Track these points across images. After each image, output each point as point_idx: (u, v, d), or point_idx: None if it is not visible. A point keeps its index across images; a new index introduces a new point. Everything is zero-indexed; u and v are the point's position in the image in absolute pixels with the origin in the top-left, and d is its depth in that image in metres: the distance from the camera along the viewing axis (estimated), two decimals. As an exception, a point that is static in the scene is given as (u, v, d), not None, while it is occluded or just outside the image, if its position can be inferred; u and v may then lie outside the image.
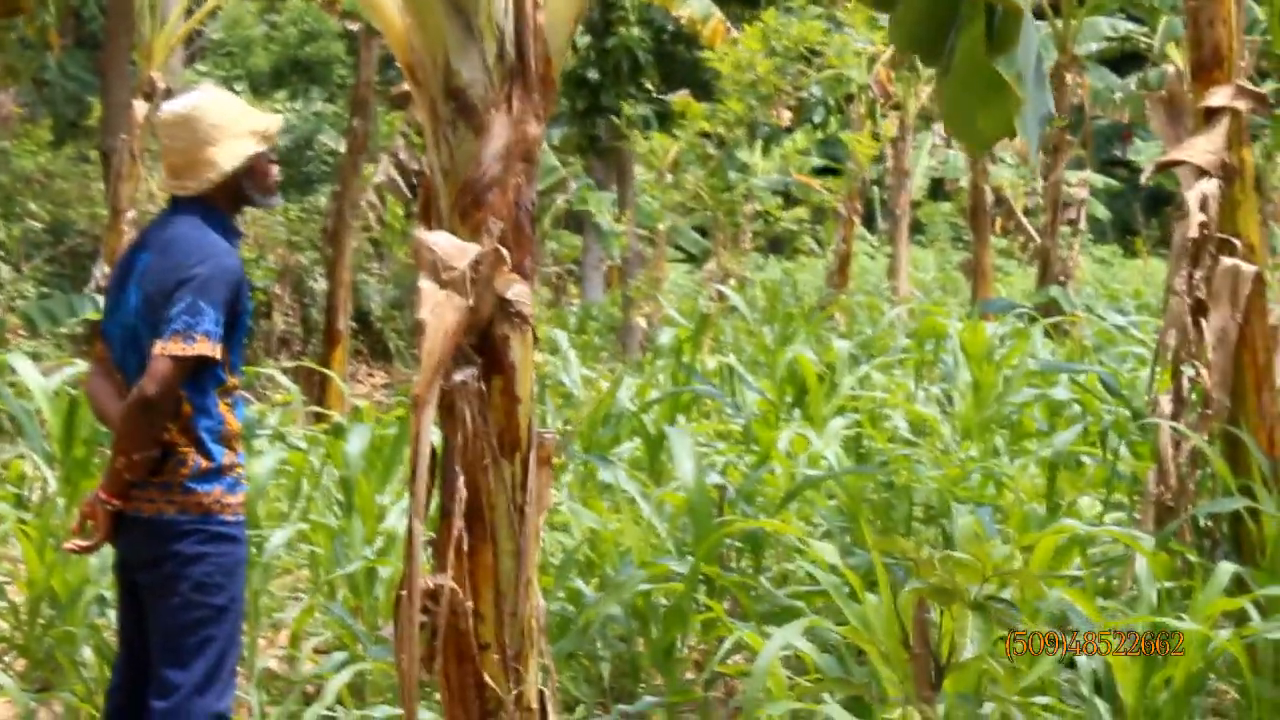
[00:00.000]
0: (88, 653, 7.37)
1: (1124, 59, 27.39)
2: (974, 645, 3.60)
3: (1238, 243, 7.91)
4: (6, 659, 8.18)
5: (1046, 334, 15.37)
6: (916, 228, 34.28)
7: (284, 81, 29.47)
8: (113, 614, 7.41)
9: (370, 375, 23.75)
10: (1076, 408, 11.20)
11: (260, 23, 30.92)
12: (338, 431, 10.10)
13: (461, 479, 3.72)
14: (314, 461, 9.93)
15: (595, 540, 8.34)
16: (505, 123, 3.83)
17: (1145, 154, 37.80)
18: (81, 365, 10.97)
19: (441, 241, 3.79)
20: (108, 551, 6.02)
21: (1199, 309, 7.91)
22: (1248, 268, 7.85)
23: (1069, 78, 18.76)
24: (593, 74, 22.84)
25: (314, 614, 8.00)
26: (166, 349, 5.34)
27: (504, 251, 3.81)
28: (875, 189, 34.16)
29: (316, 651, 8.22)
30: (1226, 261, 7.87)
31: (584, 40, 23.02)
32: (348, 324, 18.03)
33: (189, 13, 15.65)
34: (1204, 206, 7.88)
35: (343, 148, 19.01)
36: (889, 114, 24.15)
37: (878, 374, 13.17)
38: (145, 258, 5.60)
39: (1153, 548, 7.03)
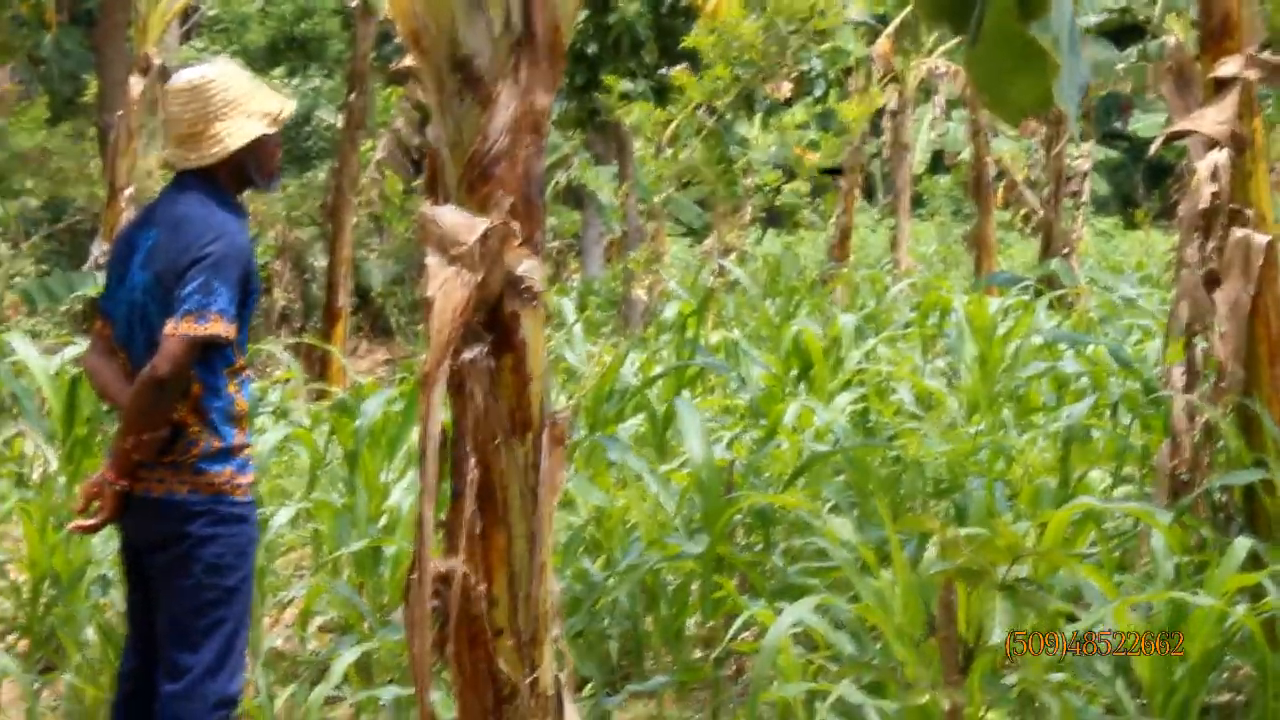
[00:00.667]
0: (90, 633, 7.30)
1: (1124, 31, 27.27)
2: (1000, 628, 3.52)
3: (1249, 213, 7.83)
4: (9, 640, 8.12)
5: (1050, 307, 15.32)
6: (917, 201, 34.16)
7: (280, 58, 29.39)
8: (115, 594, 7.37)
9: (371, 352, 23.70)
10: (1084, 381, 11.13)
11: (255, -2, 30.84)
12: (343, 408, 10.03)
13: (472, 460, 3.63)
14: (317, 439, 9.86)
15: (601, 518, 8.27)
16: (513, 94, 3.73)
17: (1144, 126, 37.73)
18: (82, 344, 10.89)
19: (449, 216, 3.70)
20: (111, 531, 5.94)
21: (1211, 280, 7.83)
22: (1260, 238, 7.76)
23: (1070, 49, 18.65)
24: (591, 48, 22.73)
25: (321, 592, 7.93)
26: (179, 328, 5.26)
27: (513, 225, 3.72)
28: (875, 162, 34.08)
29: (322, 630, 8.17)
30: (1238, 232, 7.78)
31: (583, 14, 22.91)
32: (348, 300, 17.92)
33: (184, -12, 15.55)
34: (1215, 177, 7.80)
35: (340, 123, 18.91)
36: (888, 87, 24.06)
37: (883, 347, 13.12)
38: (152, 235, 5.51)
39: (1167, 522, 6.96)
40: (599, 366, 12.71)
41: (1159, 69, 8.54)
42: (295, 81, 28.00)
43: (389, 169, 19.02)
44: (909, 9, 21.19)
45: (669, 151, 20.29)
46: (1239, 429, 7.70)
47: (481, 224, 3.68)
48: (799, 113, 24.16)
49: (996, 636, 3.54)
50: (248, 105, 5.54)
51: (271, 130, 5.58)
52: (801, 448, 9.16)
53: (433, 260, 3.67)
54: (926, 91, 27.17)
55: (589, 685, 7.40)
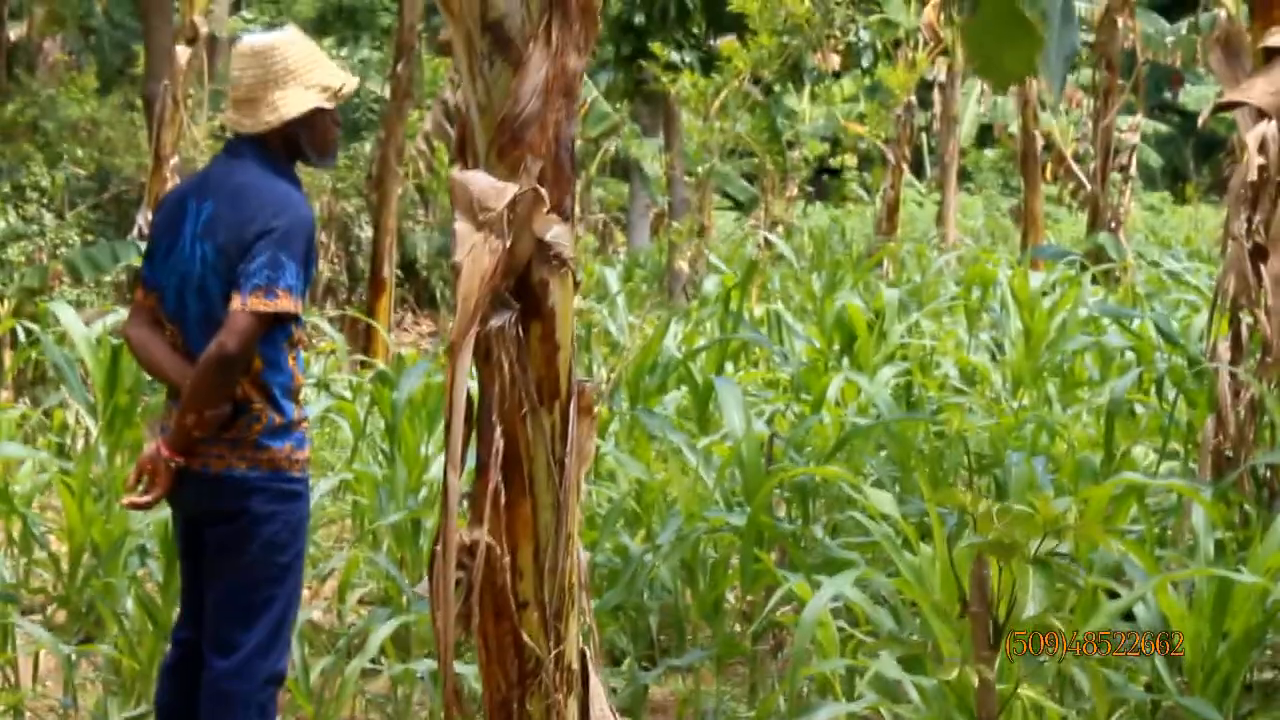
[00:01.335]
0: (129, 604, 7.27)
1: (1174, 3, 27.13)
2: (1035, 602, 3.47)
3: (1298, 186, 7.73)
4: (48, 611, 8.12)
5: (1095, 281, 15.21)
6: (964, 175, 34.02)
7: (329, 29, 29.35)
8: (154, 565, 7.34)
9: (417, 324, 23.68)
10: (1129, 355, 11.04)
11: (304, -33, 30.80)
12: (383, 379, 10.00)
13: (499, 429, 3.58)
14: (359, 410, 9.84)
15: (641, 491, 8.23)
16: (544, 56, 3.66)
17: (1195, 98, 37.50)
18: (123, 312, 10.88)
19: (478, 181, 3.65)
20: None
21: (1258, 254, 7.74)
22: (1309, 211, 7.67)
23: (1120, 22, 18.53)
24: (639, 18, 22.67)
25: (359, 565, 7.91)
26: (249, 304, 5.17)
27: (542, 191, 3.66)
28: (923, 135, 33.93)
29: (361, 603, 8.15)
30: (1287, 205, 7.70)
31: (630, -16, 22.87)
32: (393, 272, 17.89)
33: (233, -44, 15.55)
34: (1263, 149, 7.70)
35: (387, 94, 18.86)
36: (937, 59, 23.94)
37: (927, 321, 13.04)
38: (209, 204, 5.38)
39: (1210, 498, 6.88)
40: (641, 339, 12.66)
41: (1208, 40, 8.42)
42: (344, 53, 27.97)
43: (437, 140, 18.97)
44: (955, -21, 21.03)
45: (717, 123, 20.21)
46: (1285, 404, 7.62)
47: (510, 189, 3.63)
48: (847, 85, 24.06)
49: (1030, 611, 3.48)
50: (307, 77, 5.43)
51: (328, 105, 5.47)
52: (845, 422, 9.10)
53: (461, 226, 3.62)
54: (975, 64, 27.00)
55: (626, 660, 7.37)
